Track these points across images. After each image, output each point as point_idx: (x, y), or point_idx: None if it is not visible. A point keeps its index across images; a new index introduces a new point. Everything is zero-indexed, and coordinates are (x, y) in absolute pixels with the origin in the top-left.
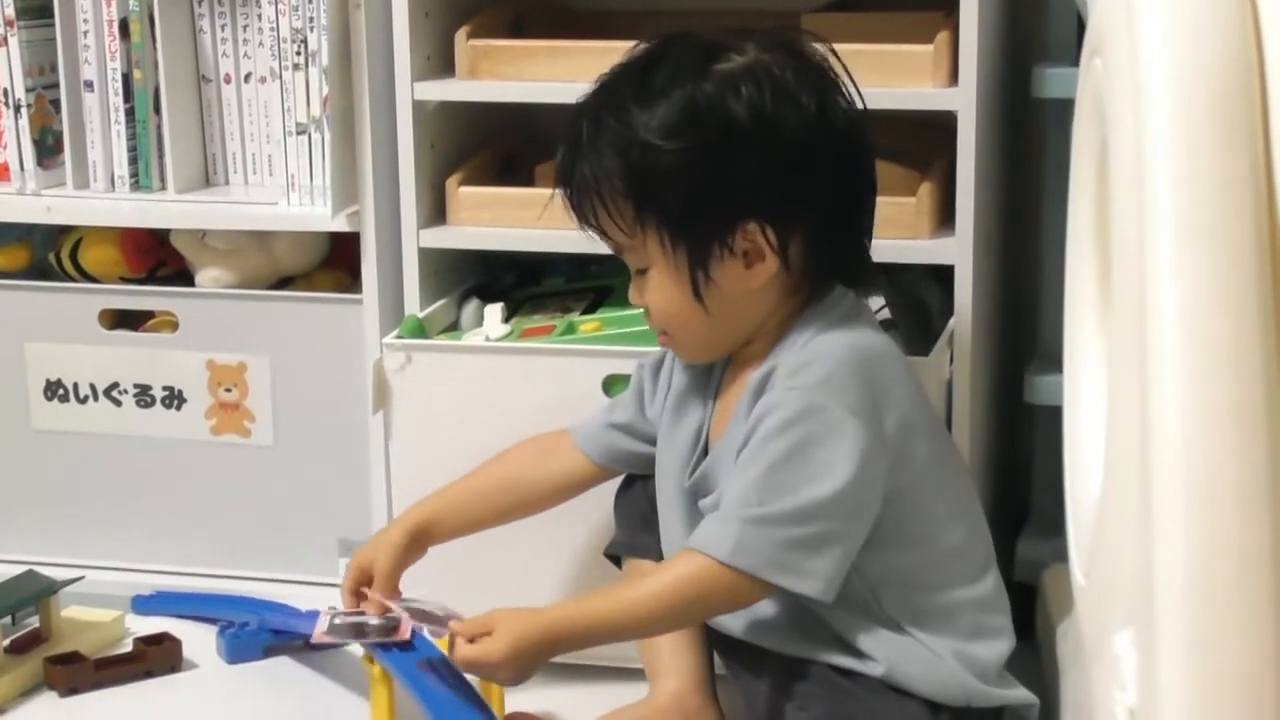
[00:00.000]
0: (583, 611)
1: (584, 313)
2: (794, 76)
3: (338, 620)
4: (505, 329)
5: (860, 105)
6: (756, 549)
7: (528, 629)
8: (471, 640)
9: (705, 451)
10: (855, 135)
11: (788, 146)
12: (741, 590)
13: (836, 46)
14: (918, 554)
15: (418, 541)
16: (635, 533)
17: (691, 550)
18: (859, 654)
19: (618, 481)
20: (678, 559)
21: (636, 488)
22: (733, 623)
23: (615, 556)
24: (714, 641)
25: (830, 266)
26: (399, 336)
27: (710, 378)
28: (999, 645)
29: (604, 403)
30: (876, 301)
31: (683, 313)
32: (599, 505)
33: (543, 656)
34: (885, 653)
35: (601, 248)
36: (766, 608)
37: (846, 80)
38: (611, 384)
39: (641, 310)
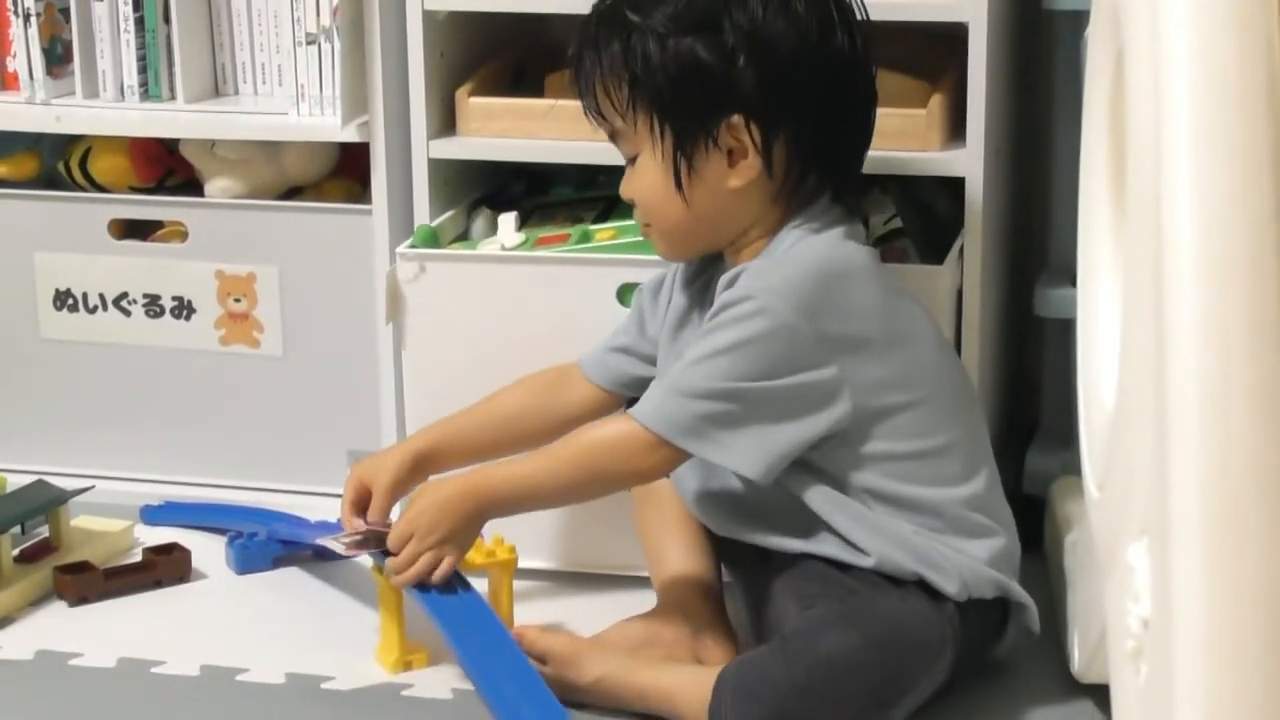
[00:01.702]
0: (502, 469)
1: (594, 222)
2: None
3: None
4: (520, 238)
5: (865, 19)
6: (676, 416)
7: (447, 490)
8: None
9: None
10: (854, 54)
11: (781, 57)
12: (660, 456)
13: None
14: (896, 454)
15: (420, 467)
16: None
17: (622, 414)
18: (851, 546)
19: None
20: (607, 421)
21: None
22: (733, 523)
23: None
24: (720, 550)
25: (817, 177)
26: (412, 246)
27: (706, 295)
28: (994, 542)
29: (608, 330)
30: (887, 210)
31: (664, 203)
32: None
33: (469, 515)
34: (874, 543)
35: (609, 157)
36: (763, 506)
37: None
38: (626, 292)
39: None
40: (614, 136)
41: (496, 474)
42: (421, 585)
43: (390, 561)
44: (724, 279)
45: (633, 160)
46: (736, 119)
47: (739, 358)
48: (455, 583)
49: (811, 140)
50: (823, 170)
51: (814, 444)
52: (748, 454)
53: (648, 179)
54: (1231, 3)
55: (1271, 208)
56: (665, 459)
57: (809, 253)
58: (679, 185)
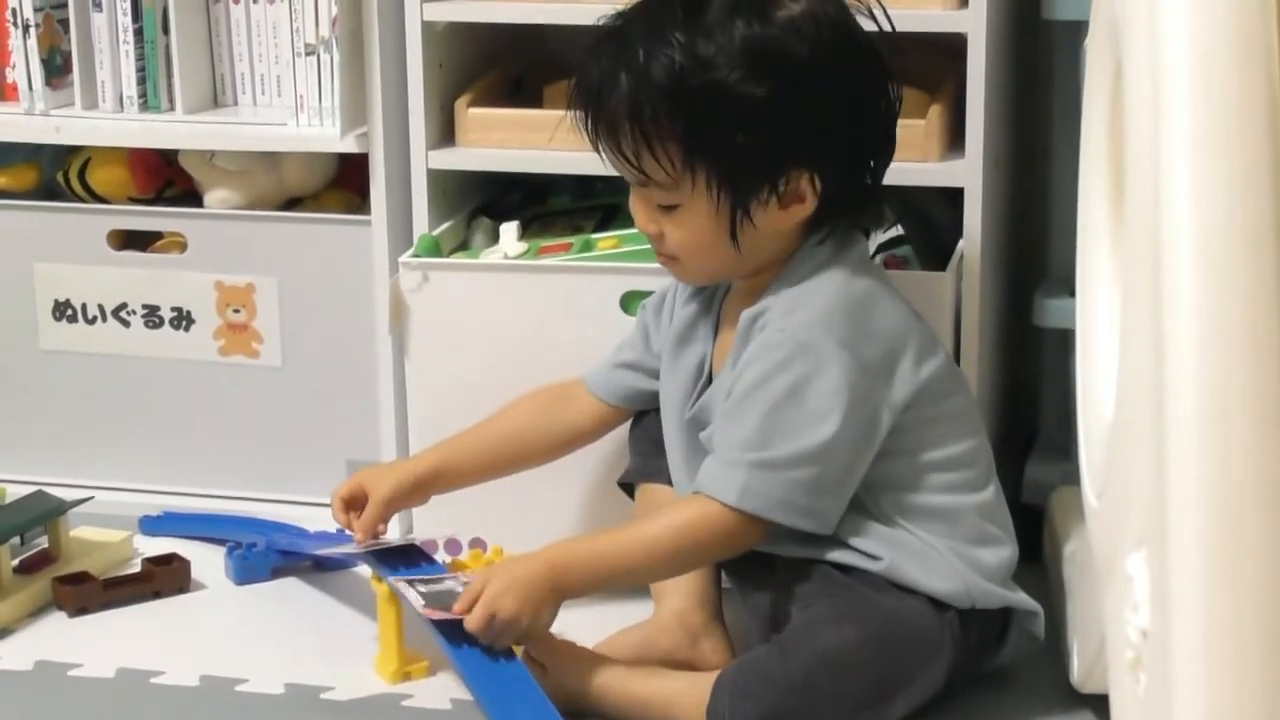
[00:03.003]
0: (584, 548)
1: (594, 230)
2: (846, 25)
3: (423, 589)
4: (522, 247)
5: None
6: (764, 492)
7: (527, 570)
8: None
9: (709, 381)
10: (892, 83)
11: (844, 95)
12: (747, 532)
13: None
14: (916, 463)
15: (421, 487)
16: (648, 459)
17: (699, 495)
18: (861, 553)
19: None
20: (686, 503)
21: (650, 417)
22: None
23: (628, 485)
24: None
25: (846, 205)
26: (414, 255)
27: (711, 310)
28: (1002, 551)
29: (611, 346)
30: (888, 219)
31: (710, 249)
32: (609, 437)
33: (550, 594)
34: (886, 550)
35: (608, 168)
36: None
37: (878, 23)
38: (629, 300)
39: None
40: (642, 184)
41: (577, 555)
42: (460, 645)
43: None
44: (745, 320)
45: (670, 207)
46: (800, 171)
47: (803, 407)
48: (499, 650)
49: (850, 177)
50: (854, 202)
51: None
52: (825, 515)
53: (694, 230)
54: (1230, 14)
55: (1270, 219)
56: (756, 533)
57: (829, 287)
58: (733, 237)
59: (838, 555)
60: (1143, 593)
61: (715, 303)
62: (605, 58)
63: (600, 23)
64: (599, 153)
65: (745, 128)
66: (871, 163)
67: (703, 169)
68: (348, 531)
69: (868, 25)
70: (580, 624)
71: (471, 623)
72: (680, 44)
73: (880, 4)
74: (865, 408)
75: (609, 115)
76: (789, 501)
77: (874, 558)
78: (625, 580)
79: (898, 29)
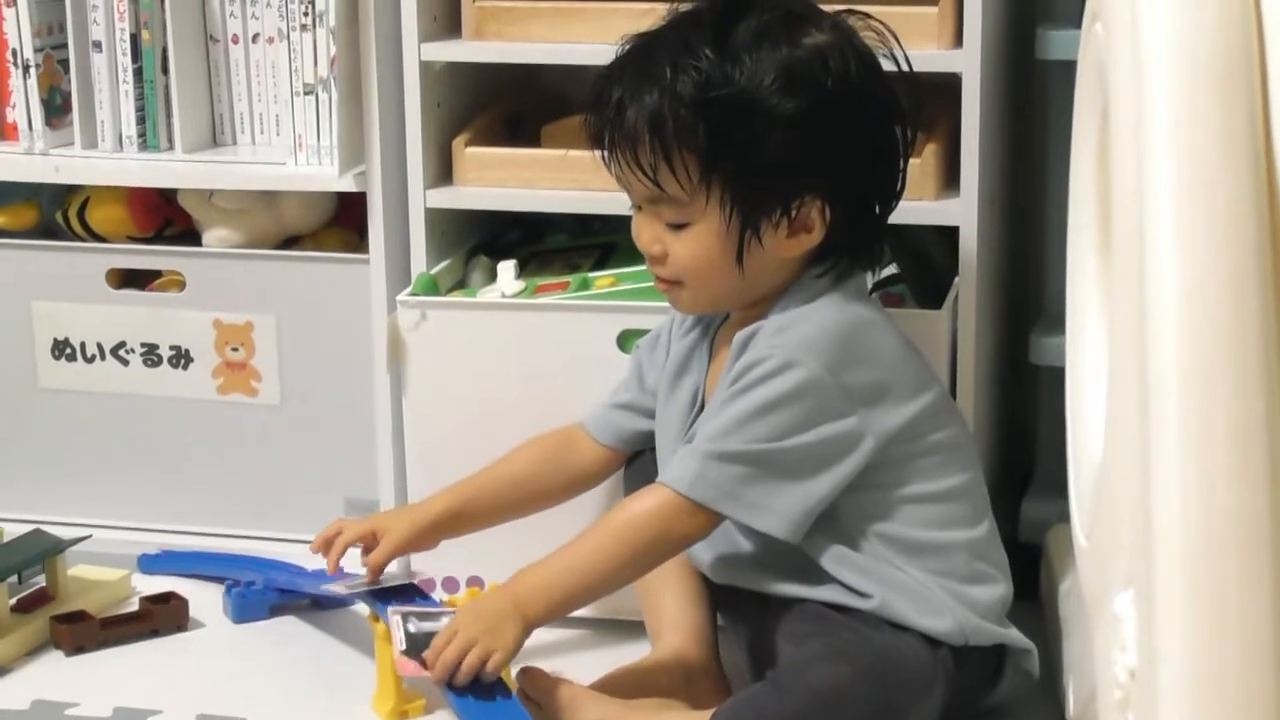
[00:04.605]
0: (541, 570)
1: (592, 268)
2: (868, 61)
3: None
4: (520, 285)
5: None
6: (715, 482)
7: (491, 606)
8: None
9: (702, 408)
10: (907, 125)
11: (861, 128)
12: (698, 521)
13: (842, 8)
14: (907, 496)
15: (435, 533)
16: None
17: (656, 485)
18: (853, 591)
19: None
20: (642, 494)
21: (644, 456)
22: (735, 571)
23: None
24: (717, 596)
25: (851, 241)
26: (412, 294)
27: (704, 340)
28: (995, 589)
29: (602, 385)
30: (884, 257)
31: (715, 271)
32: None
33: (517, 623)
34: (876, 588)
35: (604, 207)
36: (766, 555)
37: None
38: (626, 339)
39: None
40: (654, 200)
41: (538, 577)
42: (458, 688)
43: (434, 657)
44: (739, 338)
45: (679, 226)
46: (812, 198)
47: (773, 417)
48: (495, 690)
49: (858, 213)
50: (859, 239)
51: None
52: (782, 514)
53: (701, 249)
54: (1213, 63)
55: (1253, 261)
56: (703, 524)
57: (823, 311)
58: (739, 259)
59: (828, 593)
60: (1130, 632)
61: (710, 334)
62: (629, 73)
63: (623, 43)
64: (611, 169)
65: (765, 144)
66: (879, 201)
67: (718, 184)
68: (342, 570)
69: (887, 65)
70: (578, 662)
71: (438, 673)
72: (709, 59)
73: (900, 44)
74: (837, 429)
75: (629, 127)
76: (737, 495)
77: (865, 595)
78: (590, 593)
79: (896, 69)
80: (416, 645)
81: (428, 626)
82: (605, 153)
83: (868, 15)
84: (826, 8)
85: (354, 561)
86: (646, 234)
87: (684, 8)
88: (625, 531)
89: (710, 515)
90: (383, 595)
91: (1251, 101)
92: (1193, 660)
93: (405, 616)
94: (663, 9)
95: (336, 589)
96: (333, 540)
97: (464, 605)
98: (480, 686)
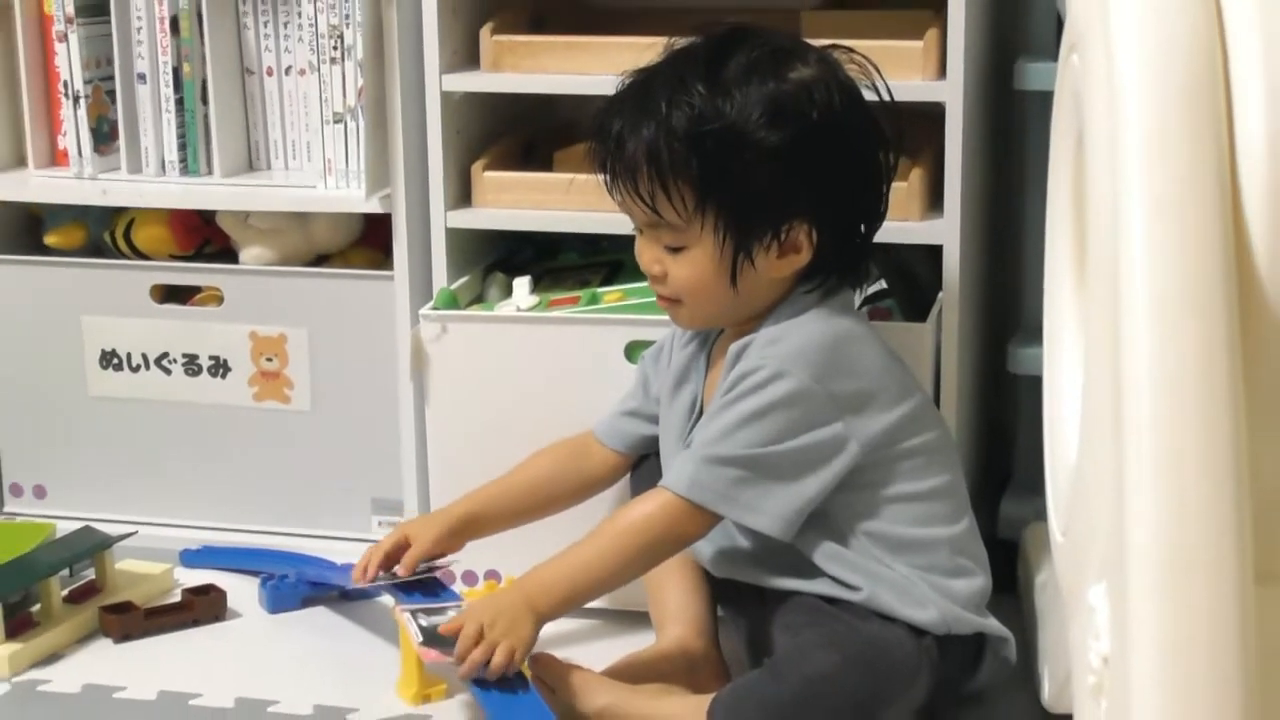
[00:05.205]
0: (552, 568)
1: (601, 284)
2: (852, 93)
3: (424, 622)
4: (534, 300)
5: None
6: (710, 484)
7: (506, 602)
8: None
9: (701, 413)
10: (890, 152)
11: (846, 157)
12: (696, 522)
13: (829, 43)
14: (892, 496)
15: (462, 532)
16: None
17: (658, 488)
18: (843, 584)
19: None
20: (643, 499)
21: (649, 460)
22: (734, 566)
23: None
24: (717, 589)
25: (837, 262)
26: (434, 308)
27: (702, 351)
28: (975, 582)
29: (610, 392)
30: (873, 274)
31: (710, 290)
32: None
33: (529, 617)
34: (865, 582)
35: (612, 227)
36: (762, 551)
37: (879, 93)
38: (633, 349)
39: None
40: (652, 225)
41: (548, 574)
42: (482, 682)
43: (461, 657)
44: (733, 350)
45: (677, 249)
46: (800, 222)
47: (764, 423)
48: (516, 683)
49: (844, 235)
50: (845, 260)
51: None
52: (773, 514)
53: (697, 270)
54: (1181, 87)
55: (1219, 276)
56: (702, 524)
57: (811, 324)
58: (733, 280)
59: (820, 587)
60: (1104, 622)
61: (707, 345)
62: (628, 107)
63: (623, 78)
64: (614, 195)
65: (754, 174)
66: (864, 224)
67: (712, 211)
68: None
69: (870, 95)
70: (589, 651)
71: (466, 669)
72: (701, 94)
73: (881, 76)
74: (823, 434)
75: (629, 158)
76: (732, 496)
77: (854, 589)
78: (598, 588)
79: (881, 98)
80: (432, 636)
81: (438, 620)
82: (608, 181)
83: (851, 50)
84: (821, 43)
85: None
86: (647, 255)
87: (681, 43)
88: (629, 532)
89: (708, 515)
90: (406, 588)
91: (1217, 127)
92: (1162, 647)
93: (414, 613)
94: (663, 43)
95: (363, 582)
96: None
97: (479, 602)
98: (503, 680)
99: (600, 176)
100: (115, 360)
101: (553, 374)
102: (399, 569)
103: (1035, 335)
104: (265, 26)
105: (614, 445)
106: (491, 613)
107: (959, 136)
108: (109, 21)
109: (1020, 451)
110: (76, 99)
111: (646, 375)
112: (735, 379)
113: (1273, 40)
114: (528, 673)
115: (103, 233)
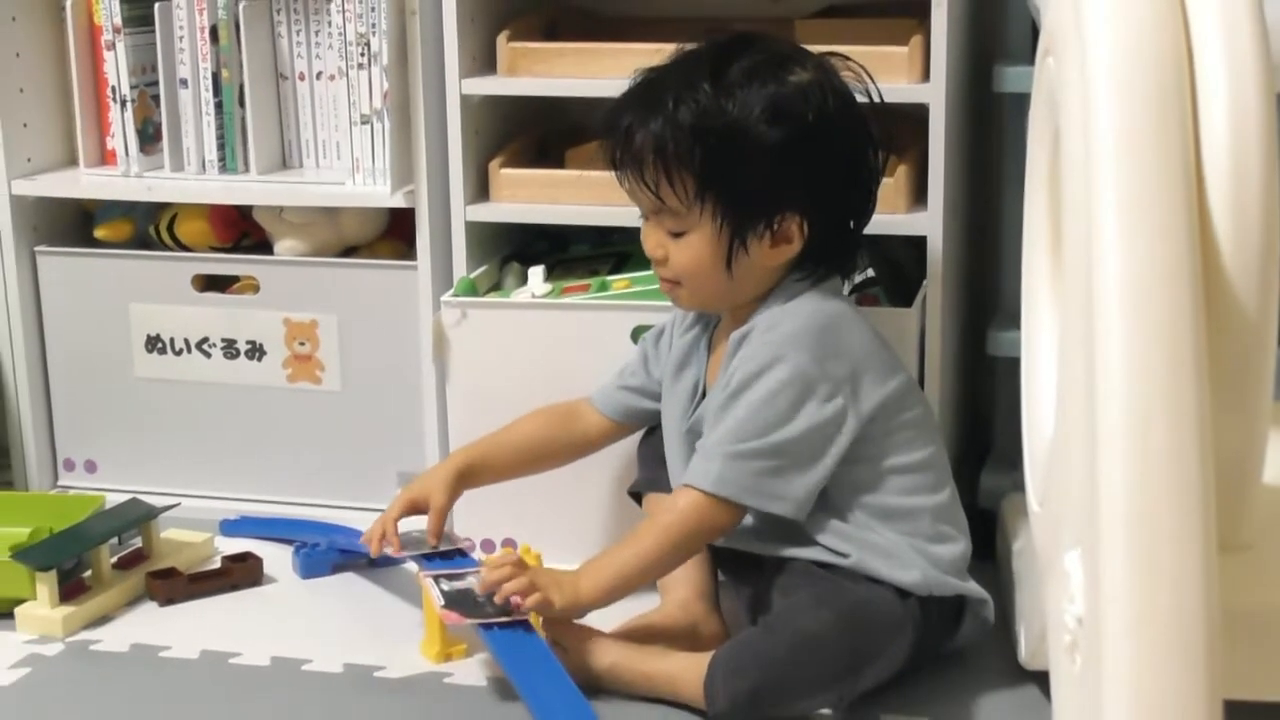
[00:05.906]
0: (604, 563)
1: (610, 273)
2: (845, 97)
3: (445, 587)
4: (548, 288)
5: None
6: (735, 479)
7: (565, 574)
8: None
9: (703, 396)
10: (879, 152)
11: (838, 155)
12: (725, 515)
13: (825, 49)
14: (880, 468)
15: (462, 482)
16: (653, 471)
17: (685, 486)
18: (833, 551)
19: (638, 435)
20: (675, 496)
21: (655, 436)
22: (734, 535)
23: (636, 494)
24: (717, 557)
25: (828, 253)
26: (455, 295)
27: (703, 336)
28: (956, 547)
29: (614, 370)
30: (862, 264)
31: (708, 274)
32: (621, 454)
33: (574, 590)
34: (854, 548)
35: (620, 220)
36: (761, 524)
37: (870, 96)
38: (639, 332)
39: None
40: (656, 211)
41: (600, 569)
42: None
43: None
44: (734, 337)
45: (679, 234)
46: (791, 215)
47: (770, 409)
48: (526, 631)
49: (833, 228)
50: (834, 251)
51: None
52: (793, 499)
53: (696, 254)
54: (1151, 89)
55: (1186, 266)
56: (732, 516)
57: (804, 309)
58: (728, 265)
59: (813, 553)
60: (1078, 586)
61: (707, 332)
62: (639, 102)
63: (633, 78)
64: (622, 183)
65: (751, 168)
66: (853, 218)
67: (711, 200)
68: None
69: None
70: (598, 613)
71: (500, 597)
72: (706, 93)
73: (873, 80)
74: (826, 411)
75: (636, 149)
76: (757, 488)
77: (843, 555)
78: (639, 578)
79: (873, 102)
80: (453, 599)
81: (459, 585)
82: (616, 170)
83: (847, 57)
84: (812, 49)
85: (403, 524)
86: (651, 239)
87: (688, 48)
88: (667, 529)
89: (736, 508)
90: (430, 557)
91: (1184, 127)
92: (1131, 609)
93: (436, 578)
94: (670, 49)
95: (390, 550)
96: (382, 533)
97: (537, 569)
98: (512, 629)
99: (610, 165)
100: (160, 344)
101: (564, 355)
102: (429, 537)
103: (1013, 320)
104: (298, 35)
105: (607, 412)
106: (546, 576)
107: (942, 135)
108: (153, 31)
109: (999, 428)
110: (124, 103)
111: (647, 356)
112: (738, 367)
113: (1235, 47)
114: (542, 632)
115: (148, 227)
